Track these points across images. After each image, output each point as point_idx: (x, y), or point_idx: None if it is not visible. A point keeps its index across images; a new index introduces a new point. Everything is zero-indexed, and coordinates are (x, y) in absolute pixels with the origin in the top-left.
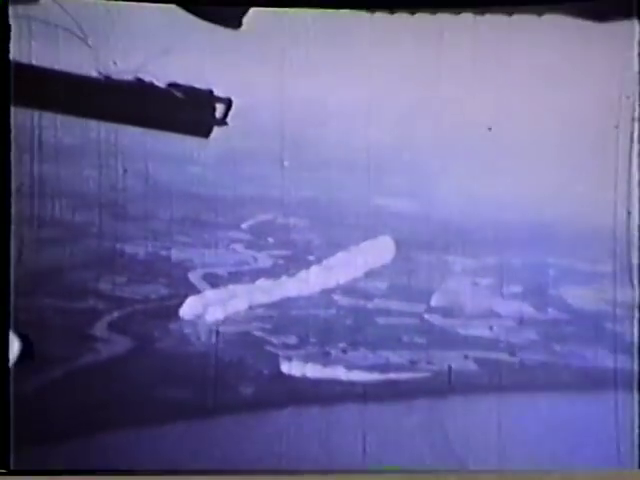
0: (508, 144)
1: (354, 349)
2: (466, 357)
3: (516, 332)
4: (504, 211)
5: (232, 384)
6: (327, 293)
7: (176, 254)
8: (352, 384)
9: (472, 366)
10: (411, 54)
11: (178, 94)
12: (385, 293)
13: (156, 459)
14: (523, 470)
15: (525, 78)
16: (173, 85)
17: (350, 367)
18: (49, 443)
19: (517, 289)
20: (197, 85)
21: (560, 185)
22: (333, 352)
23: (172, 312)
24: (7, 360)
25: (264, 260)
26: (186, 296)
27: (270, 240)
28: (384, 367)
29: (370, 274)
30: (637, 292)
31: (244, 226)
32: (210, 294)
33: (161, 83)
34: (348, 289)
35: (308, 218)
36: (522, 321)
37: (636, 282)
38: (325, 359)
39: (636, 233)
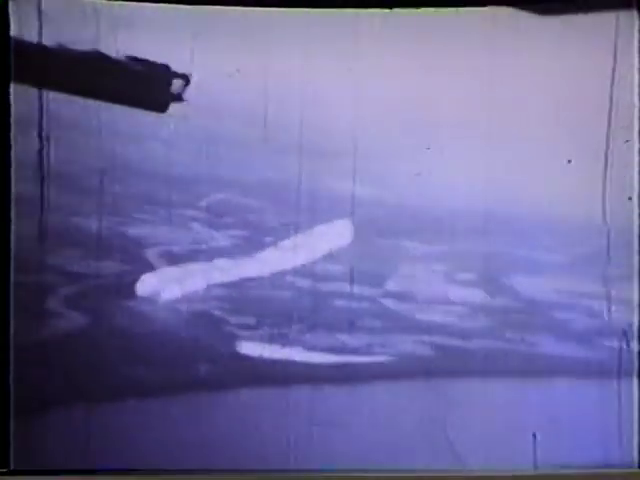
0: (462, 131)
1: (311, 331)
2: (421, 342)
3: (469, 318)
4: (458, 198)
5: (189, 363)
6: (285, 275)
7: (132, 230)
8: (308, 366)
9: (427, 351)
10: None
11: (136, 67)
12: (342, 276)
13: (110, 436)
14: (523, 470)
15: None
16: (131, 58)
17: (307, 349)
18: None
19: (470, 276)
20: (154, 60)
21: (514, 172)
22: (290, 334)
23: (128, 289)
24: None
25: (222, 239)
26: (142, 273)
27: (228, 220)
28: (340, 350)
29: (328, 257)
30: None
31: (201, 204)
32: (167, 272)
33: (120, 56)
34: (306, 271)
35: (264, 199)
36: (475, 308)
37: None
38: (282, 340)
39: (594, 222)
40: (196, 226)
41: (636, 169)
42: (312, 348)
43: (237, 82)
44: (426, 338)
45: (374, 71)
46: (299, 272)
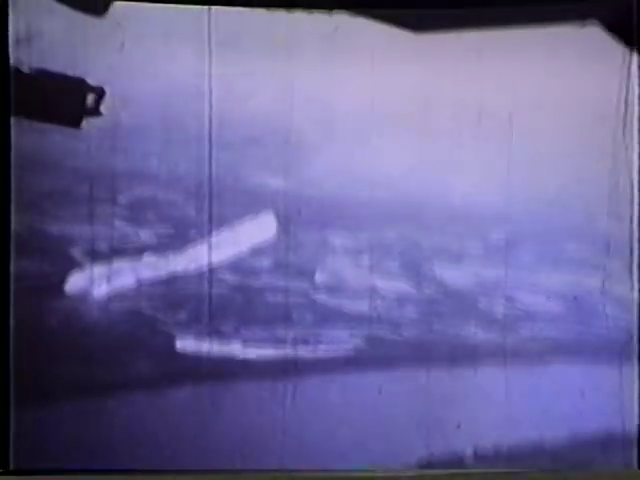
0: (383, 121)
1: (245, 326)
2: (352, 334)
3: (396, 309)
4: (377, 189)
5: (126, 362)
6: (214, 270)
7: (54, 229)
8: (247, 362)
9: (359, 343)
10: None
11: (47, 82)
12: (270, 270)
13: (44, 440)
14: (523, 470)
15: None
16: (42, 72)
17: (244, 345)
18: None
19: (394, 267)
20: (68, 73)
21: (434, 162)
22: (225, 329)
23: (56, 288)
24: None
25: (147, 236)
26: (69, 272)
27: (150, 215)
28: (277, 344)
29: (254, 251)
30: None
31: (122, 201)
32: (95, 270)
33: (29, 70)
34: (234, 266)
35: (184, 194)
36: (401, 299)
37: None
38: (218, 336)
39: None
40: (119, 223)
41: (636, 169)
42: (249, 344)
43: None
44: (357, 331)
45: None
46: (228, 267)
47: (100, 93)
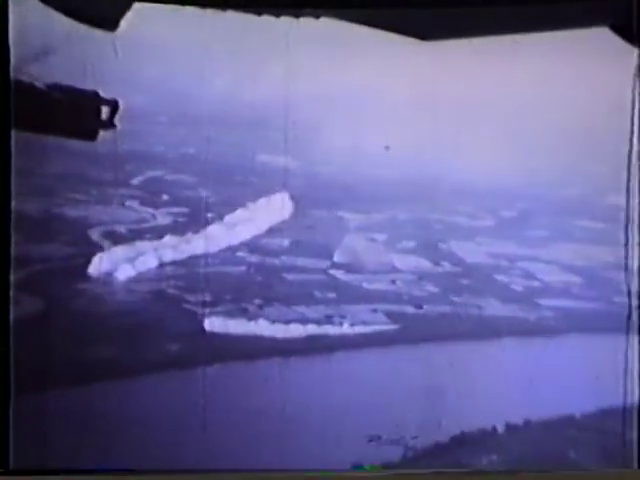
0: (384, 101)
1: (269, 305)
2: (374, 310)
3: (416, 285)
4: (383, 167)
5: (155, 342)
6: (233, 250)
7: (70, 211)
8: (273, 339)
9: (382, 319)
10: None
11: (60, 96)
12: (288, 250)
13: (86, 419)
14: (523, 470)
15: None
16: (54, 87)
17: (269, 323)
18: None
19: (411, 244)
20: (81, 86)
21: (439, 142)
22: (250, 308)
23: (80, 271)
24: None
25: (163, 217)
26: (91, 254)
27: (164, 197)
28: (302, 322)
29: (271, 231)
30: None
31: (134, 183)
32: (117, 252)
33: (41, 85)
34: (253, 246)
35: (195, 175)
36: (420, 275)
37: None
38: (244, 315)
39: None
40: (134, 205)
41: (636, 169)
42: (274, 322)
43: None
44: (379, 306)
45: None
46: (247, 247)
47: (114, 105)
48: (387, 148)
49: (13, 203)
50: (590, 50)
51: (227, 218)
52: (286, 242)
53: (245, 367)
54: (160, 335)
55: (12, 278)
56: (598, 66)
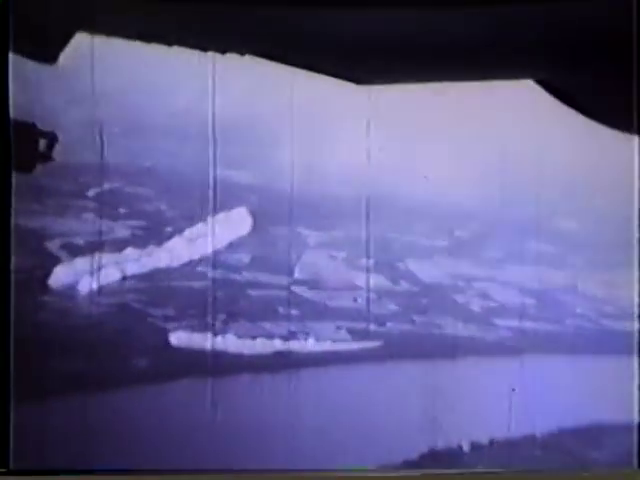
0: (341, 114)
1: (234, 320)
2: (339, 327)
3: (377, 303)
4: (341, 185)
5: (121, 356)
6: (194, 265)
7: (25, 222)
8: (239, 355)
9: (346, 336)
10: None
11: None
12: (249, 265)
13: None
14: (523, 470)
15: None
16: None
17: (235, 338)
18: None
19: (370, 262)
20: (19, 119)
21: (395, 159)
22: (215, 324)
23: (41, 283)
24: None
25: (121, 230)
26: (51, 266)
27: (121, 210)
28: (268, 338)
29: (231, 246)
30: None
31: (90, 194)
32: (78, 264)
33: None
34: (214, 261)
35: (152, 188)
36: (380, 293)
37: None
38: (209, 330)
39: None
40: (90, 216)
41: (636, 168)
42: (241, 337)
43: None
44: (343, 323)
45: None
46: (208, 262)
47: (52, 138)
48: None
49: None
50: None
51: (187, 232)
52: (247, 257)
53: (212, 382)
54: (125, 349)
55: None
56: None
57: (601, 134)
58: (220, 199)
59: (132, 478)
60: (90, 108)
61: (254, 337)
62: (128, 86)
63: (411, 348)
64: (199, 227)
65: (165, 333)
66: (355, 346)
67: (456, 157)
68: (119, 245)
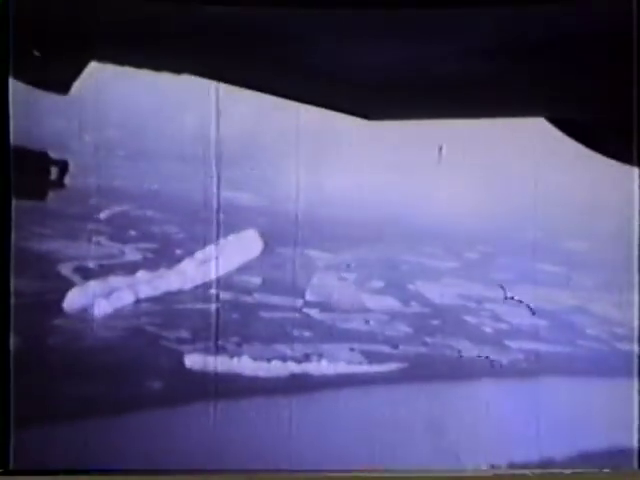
0: (348, 138)
1: (247, 343)
2: (352, 349)
3: (389, 325)
4: (351, 207)
5: (136, 380)
6: (206, 287)
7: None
8: (254, 378)
9: (359, 358)
10: None
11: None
12: (261, 287)
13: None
14: (524, 471)
15: None
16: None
17: (251, 360)
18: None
19: (380, 284)
20: (30, 147)
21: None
22: (228, 347)
23: (55, 306)
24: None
25: (132, 253)
26: (64, 290)
27: (132, 233)
28: (282, 360)
29: (241, 268)
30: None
31: (98, 218)
32: (91, 287)
33: None
34: (225, 283)
35: (161, 211)
36: (392, 315)
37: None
38: (224, 353)
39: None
40: (102, 240)
41: (636, 167)
42: (256, 360)
43: None
44: (356, 346)
45: None
46: (220, 284)
47: (63, 166)
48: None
49: None
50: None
51: (198, 254)
52: (258, 280)
53: (228, 405)
54: (141, 372)
55: None
56: None
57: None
58: (228, 221)
59: (132, 478)
60: (95, 132)
61: (268, 359)
62: (132, 110)
63: (425, 370)
64: (209, 249)
65: (180, 356)
66: (369, 368)
67: (463, 181)
68: (130, 268)
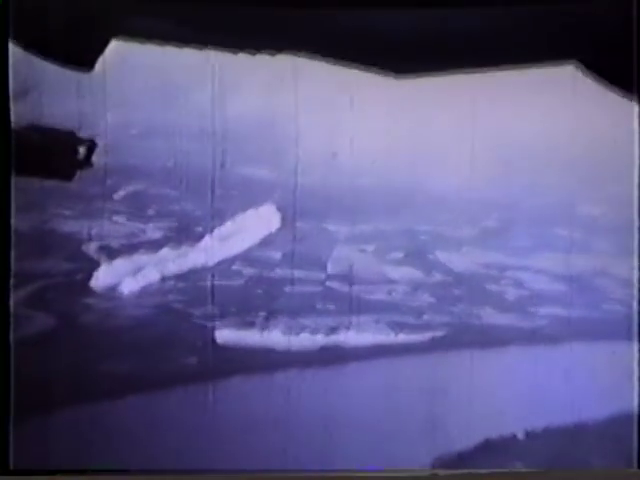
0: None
1: (274, 318)
2: (377, 321)
3: (413, 296)
4: (362, 177)
5: (172, 356)
6: (229, 263)
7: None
8: (286, 351)
9: (386, 329)
10: None
11: (37, 137)
12: (282, 262)
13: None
14: (523, 470)
15: None
16: (31, 127)
17: (281, 334)
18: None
19: (399, 255)
20: (58, 127)
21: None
22: (256, 321)
23: (83, 286)
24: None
25: (153, 232)
26: (91, 269)
27: (150, 211)
28: (311, 333)
29: (262, 243)
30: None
31: (116, 197)
32: (117, 266)
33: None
34: (247, 258)
35: (176, 188)
36: (414, 285)
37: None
38: (253, 328)
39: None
40: (121, 219)
41: (636, 166)
42: (286, 333)
43: None
44: (380, 317)
45: None
46: (242, 260)
47: (91, 145)
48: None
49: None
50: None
51: (217, 231)
52: (278, 254)
53: (261, 378)
54: (174, 349)
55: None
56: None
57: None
58: (244, 196)
59: (132, 478)
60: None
61: (298, 333)
62: (143, 88)
63: (453, 339)
64: (228, 225)
65: (210, 332)
66: (397, 339)
67: (480, 146)
68: (154, 246)
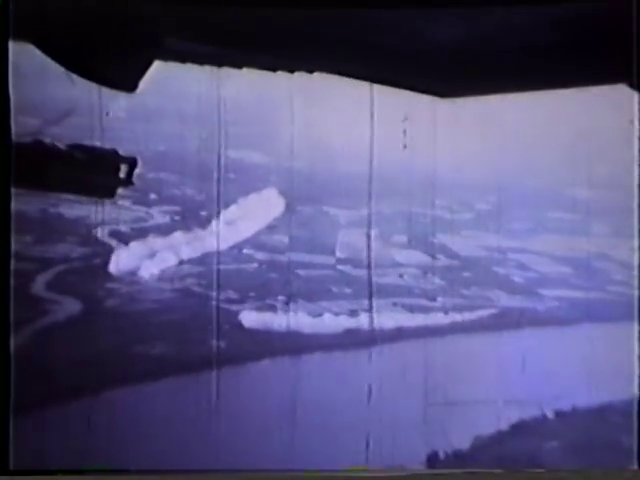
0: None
1: (293, 301)
2: (395, 304)
3: (423, 279)
4: (356, 163)
5: (199, 339)
6: (239, 248)
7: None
8: (311, 334)
9: (403, 312)
10: None
11: (80, 155)
12: (291, 246)
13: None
14: (523, 470)
15: None
16: (74, 147)
17: (301, 318)
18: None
19: (403, 238)
20: (100, 145)
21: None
22: (276, 305)
23: (101, 270)
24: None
25: (159, 216)
26: (106, 254)
27: (153, 196)
28: (334, 316)
29: (268, 227)
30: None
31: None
32: (134, 250)
33: (62, 145)
34: (256, 243)
35: (175, 173)
36: (424, 269)
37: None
38: (275, 311)
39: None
40: (126, 203)
41: (636, 165)
42: (308, 317)
43: None
44: (396, 300)
45: None
46: (251, 244)
47: (132, 163)
48: None
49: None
50: None
51: (222, 215)
52: (285, 239)
53: (290, 361)
54: (201, 332)
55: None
56: None
57: None
58: (242, 181)
59: (132, 478)
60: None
61: (320, 315)
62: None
63: (471, 321)
64: (233, 210)
65: (234, 315)
66: (415, 322)
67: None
68: (159, 231)
